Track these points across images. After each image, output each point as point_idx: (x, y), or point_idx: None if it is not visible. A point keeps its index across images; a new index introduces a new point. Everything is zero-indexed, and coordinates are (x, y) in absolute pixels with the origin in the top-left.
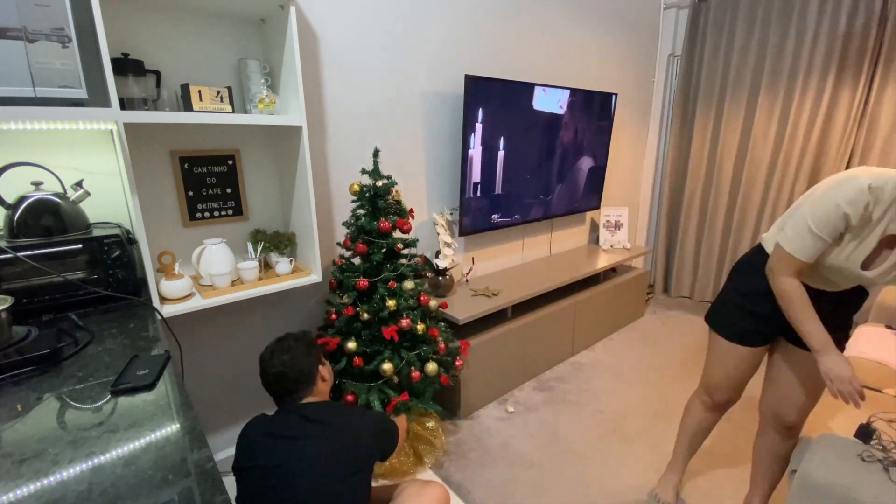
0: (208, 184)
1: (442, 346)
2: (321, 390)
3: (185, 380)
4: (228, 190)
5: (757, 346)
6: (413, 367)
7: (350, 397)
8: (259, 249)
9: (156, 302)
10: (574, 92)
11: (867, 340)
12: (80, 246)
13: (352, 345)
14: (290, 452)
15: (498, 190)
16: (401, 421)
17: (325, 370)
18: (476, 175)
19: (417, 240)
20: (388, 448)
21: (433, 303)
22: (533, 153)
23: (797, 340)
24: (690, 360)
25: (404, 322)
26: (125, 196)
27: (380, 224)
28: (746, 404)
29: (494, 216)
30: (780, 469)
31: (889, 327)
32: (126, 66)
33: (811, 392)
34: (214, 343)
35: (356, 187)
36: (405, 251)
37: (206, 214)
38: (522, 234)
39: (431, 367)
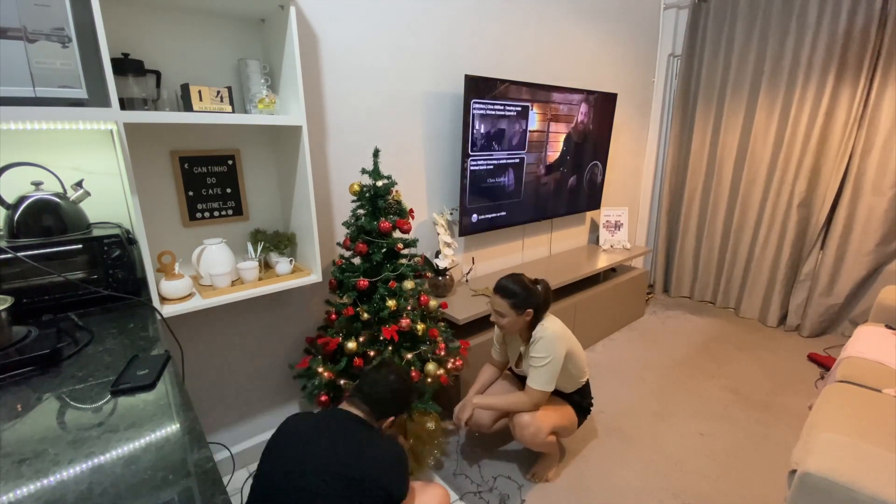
0: (208, 184)
1: (442, 345)
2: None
3: (185, 380)
4: (228, 190)
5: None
6: (413, 367)
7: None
8: (259, 249)
9: (156, 302)
10: (574, 92)
11: (867, 340)
12: (80, 246)
13: (352, 345)
14: (304, 455)
15: (498, 190)
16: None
17: (391, 425)
18: (476, 175)
19: (417, 240)
20: (396, 484)
21: (433, 303)
22: (533, 153)
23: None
24: (690, 360)
25: (404, 322)
26: (125, 196)
27: (380, 224)
28: (746, 405)
29: (494, 216)
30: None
31: (889, 327)
32: (126, 66)
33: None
34: (214, 343)
35: (356, 187)
36: (405, 251)
37: (206, 214)
38: (522, 234)
39: (431, 366)
